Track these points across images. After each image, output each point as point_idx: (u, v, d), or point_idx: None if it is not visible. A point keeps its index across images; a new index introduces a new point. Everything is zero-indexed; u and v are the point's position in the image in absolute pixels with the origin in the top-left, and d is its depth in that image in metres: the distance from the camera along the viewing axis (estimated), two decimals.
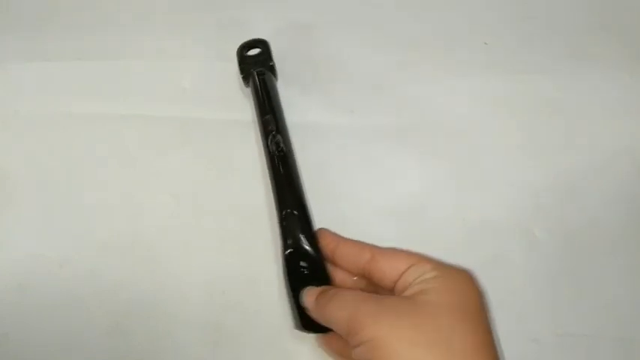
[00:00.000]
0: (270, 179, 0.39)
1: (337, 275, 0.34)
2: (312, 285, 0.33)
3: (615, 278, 0.43)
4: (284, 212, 0.37)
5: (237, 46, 0.48)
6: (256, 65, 0.46)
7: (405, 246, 0.40)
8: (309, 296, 0.32)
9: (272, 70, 0.46)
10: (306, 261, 0.34)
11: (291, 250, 0.35)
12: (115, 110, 0.48)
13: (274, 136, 0.40)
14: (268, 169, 0.40)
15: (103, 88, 0.49)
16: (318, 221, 0.38)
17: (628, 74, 0.51)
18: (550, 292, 0.42)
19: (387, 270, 0.30)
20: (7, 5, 0.53)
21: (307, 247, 0.35)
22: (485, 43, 0.53)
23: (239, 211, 0.44)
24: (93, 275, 0.41)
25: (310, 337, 0.37)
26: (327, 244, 0.34)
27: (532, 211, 0.45)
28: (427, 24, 0.54)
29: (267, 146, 0.40)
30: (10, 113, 0.47)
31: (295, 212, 0.36)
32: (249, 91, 0.47)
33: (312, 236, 0.35)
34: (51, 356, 0.39)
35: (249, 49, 0.47)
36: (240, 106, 0.48)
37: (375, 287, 0.32)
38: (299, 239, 0.35)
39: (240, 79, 0.47)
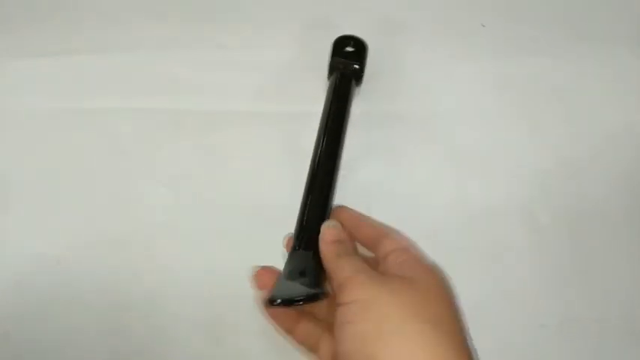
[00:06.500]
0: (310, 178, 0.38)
1: None
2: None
3: (621, 261, 0.43)
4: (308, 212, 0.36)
5: (232, 32, 0.47)
6: (346, 65, 0.45)
7: (407, 234, 0.39)
8: (329, 235, 0.33)
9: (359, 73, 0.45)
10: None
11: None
12: (111, 104, 0.47)
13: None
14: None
15: (96, 82, 0.48)
16: None
17: (629, 54, 0.51)
18: (556, 277, 0.42)
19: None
20: None
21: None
22: (483, 25, 0.52)
23: (239, 206, 0.43)
24: (92, 273, 0.41)
25: None
26: (347, 220, 0.35)
27: (536, 196, 0.44)
28: (422, 6, 0.52)
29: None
30: (3, 110, 0.47)
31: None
32: (247, 79, 0.46)
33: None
34: (51, 354, 0.39)
35: (347, 45, 0.46)
36: (238, 97, 0.47)
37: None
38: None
39: (240, 69, 0.47)
